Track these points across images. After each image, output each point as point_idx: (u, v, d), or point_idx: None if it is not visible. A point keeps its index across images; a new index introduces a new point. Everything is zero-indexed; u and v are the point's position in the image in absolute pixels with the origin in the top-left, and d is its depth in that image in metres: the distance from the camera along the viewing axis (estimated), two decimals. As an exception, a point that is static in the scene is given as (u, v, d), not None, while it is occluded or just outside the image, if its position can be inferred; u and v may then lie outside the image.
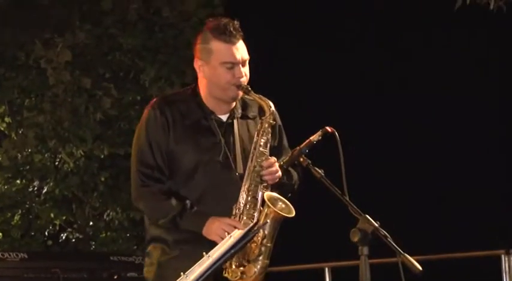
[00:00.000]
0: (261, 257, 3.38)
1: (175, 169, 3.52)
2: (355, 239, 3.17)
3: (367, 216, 3.21)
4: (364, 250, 3.17)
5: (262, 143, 3.48)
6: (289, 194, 3.58)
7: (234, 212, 3.42)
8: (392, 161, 10.48)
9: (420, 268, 3.14)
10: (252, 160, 3.46)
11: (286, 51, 10.89)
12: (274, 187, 3.50)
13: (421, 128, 10.70)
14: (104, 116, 9.89)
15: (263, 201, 3.41)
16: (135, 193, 3.60)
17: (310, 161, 3.42)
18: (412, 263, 3.15)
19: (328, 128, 3.44)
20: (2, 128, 10.77)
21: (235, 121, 3.58)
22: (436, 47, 10.89)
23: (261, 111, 3.58)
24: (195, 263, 2.86)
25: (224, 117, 3.59)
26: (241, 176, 3.48)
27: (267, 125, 3.51)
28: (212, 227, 3.38)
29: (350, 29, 10.83)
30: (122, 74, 10.15)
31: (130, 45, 9.94)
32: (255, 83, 3.61)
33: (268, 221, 3.39)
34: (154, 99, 3.66)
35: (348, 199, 3.28)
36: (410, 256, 3.17)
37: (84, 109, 9.84)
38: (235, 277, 3.36)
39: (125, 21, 10.02)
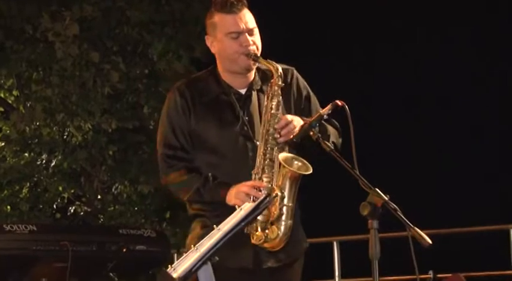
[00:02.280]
0: (283, 218, 3.38)
1: (200, 145, 3.55)
2: (365, 212, 3.16)
3: (377, 189, 3.20)
4: (374, 224, 3.16)
5: (273, 106, 3.49)
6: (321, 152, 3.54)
7: (253, 177, 3.43)
8: (404, 136, 10.48)
9: (430, 242, 3.13)
10: (264, 124, 3.47)
11: (301, 25, 10.86)
12: (298, 150, 3.50)
13: (430, 102, 10.69)
14: (111, 90, 9.89)
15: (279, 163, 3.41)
16: (163, 176, 3.61)
17: (320, 135, 3.41)
18: (422, 237, 3.13)
19: (338, 102, 3.42)
20: (10, 101, 10.78)
21: (253, 93, 3.59)
22: (444, 36, 10.86)
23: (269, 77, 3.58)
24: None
25: (243, 91, 3.60)
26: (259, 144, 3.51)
27: (276, 88, 3.50)
28: (232, 193, 3.40)
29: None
30: (130, 47, 10.14)
31: (138, 19, 9.92)
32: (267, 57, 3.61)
33: (280, 193, 3.39)
34: (176, 84, 3.69)
35: (357, 173, 3.27)
36: (420, 229, 3.16)
37: (92, 83, 9.84)
38: (260, 241, 3.37)
39: (132, -6, 10.00)
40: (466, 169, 10.15)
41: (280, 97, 3.51)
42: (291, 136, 3.45)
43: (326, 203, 9.80)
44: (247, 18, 3.54)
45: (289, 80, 3.62)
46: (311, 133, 3.41)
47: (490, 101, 10.62)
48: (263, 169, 3.43)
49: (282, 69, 3.59)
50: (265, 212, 3.31)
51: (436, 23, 10.71)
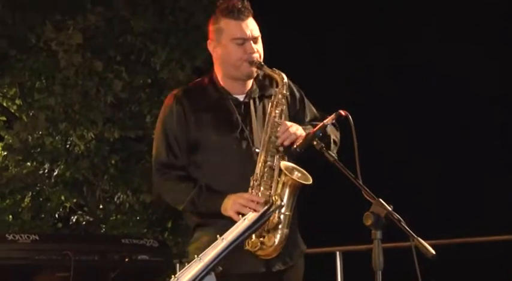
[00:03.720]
0: (280, 226, 3.39)
1: (200, 151, 3.56)
2: (369, 223, 3.15)
3: (381, 200, 3.19)
4: (378, 234, 3.15)
5: (276, 114, 3.50)
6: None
7: (251, 184, 3.44)
8: (407, 145, 10.47)
9: (433, 252, 3.13)
10: (266, 132, 3.48)
11: (302, 33, 10.86)
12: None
13: (434, 111, 10.67)
14: (114, 99, 9.89)
15: (280, 171, 3.41)
16: (156, 185, 3.63)
17: (323, 145, 3.41)
18: (426, 248, 3.13)
19: (342, 112, 3.43)
20: (13, 110, 10.78)
21: (251, 101, 3.61)
22: (445, 37, 10.85)
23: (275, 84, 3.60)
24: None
25: (241, 98, 3.62)
26: (257, 151, 3.51)
27: (280, 96, 3.53)
28: (228, 203, 3.40)
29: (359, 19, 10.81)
30: (133, 57, 10.14)
31: (142, 28, 9.93)
32: (270, 64, 3.61)
33: (283, 203, 3.39)
34: (173, 92, 3.69)
35: (361, 183, 3.27)
36: (424, 240, 3.16)
37: (95, 92, 9.84)
38: (255, 248, 3.37)
39: (135, 4, 10.01)
40: (471, 179, 10.13)
41: (285, 106, 3.53)
42: (291, 142, 3.46)
43: (329, 213, 9.78)
44: (253, 26, 3.57)
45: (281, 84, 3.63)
46: (314, 143, 3.41)
47: (495, 112, 10.60)
48: (262, 176, 3.44)
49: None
50: None
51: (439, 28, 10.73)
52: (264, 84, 3.66)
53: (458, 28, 10.58)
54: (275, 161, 3.45)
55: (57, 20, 9.76)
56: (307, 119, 3.72)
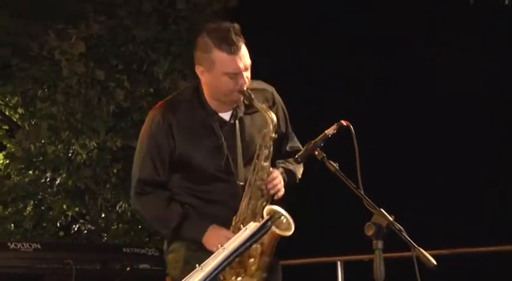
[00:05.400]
0: (258, 272, 3.40)
1: (181, 170, 3.55)
2: (370, 233, 3.16)
3: (382, 210, 3.20)
4: (379, 244, 3.16)
5: (264, 157, 3.47)
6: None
7: (233, 223, 3.45)
8: (409, 156, 10.46)
9: (435, 263, 3.14)
10: (253, 173, 3.47)
11: (300, 44, 10.86)
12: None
13: (434, 122, 10.67)
14: (116, 108, 9.91)
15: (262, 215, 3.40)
16: (134, 201, 3.59)
17: (325, 155, 3.42)
18: (427, 258, 3.14)
19: (343, 122, 3.44)
20: (15, 119, 10.80)
21: (237, 122, 3.58)
22: (444, 44, 10.85)
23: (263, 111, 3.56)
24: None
25: (227, 116, 3.59)
26: (242, 185, 3.51)
27: (268, 139, 3.49)
28: (211, 240, 3.42)
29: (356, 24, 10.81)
30: (135, 66, 10.16)
31: (144, 37, 9.95)
32: (268, 77, 3.61)
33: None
34: (159, 104, 3.65)
35: (362, 193, 3.28)
36: (425, 250, 3.16)
37: (97, 101, 9.86)
38: None
39: (138, 13, 10.03)
40: (472, 189, 10.13)
41: (272, 148, 3.49)
42: (276, 190, 3.47)
43: (330, 223, 9.77)
44: (246, 56, 3.48)
45: (271, 102, 3.63)
46: (316, 153, 3.42)
47: (491, 123, 10.60)
48: (245, 218, 3.43)
49: (257, 90, 3.57)
50: (242, 261, 3.34)
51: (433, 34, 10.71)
52: (248, 103, 3.59)
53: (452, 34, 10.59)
54: (258, 205, 3.45)
55: (59, 28, 9.78)
56: (288, 144, 3.70)
